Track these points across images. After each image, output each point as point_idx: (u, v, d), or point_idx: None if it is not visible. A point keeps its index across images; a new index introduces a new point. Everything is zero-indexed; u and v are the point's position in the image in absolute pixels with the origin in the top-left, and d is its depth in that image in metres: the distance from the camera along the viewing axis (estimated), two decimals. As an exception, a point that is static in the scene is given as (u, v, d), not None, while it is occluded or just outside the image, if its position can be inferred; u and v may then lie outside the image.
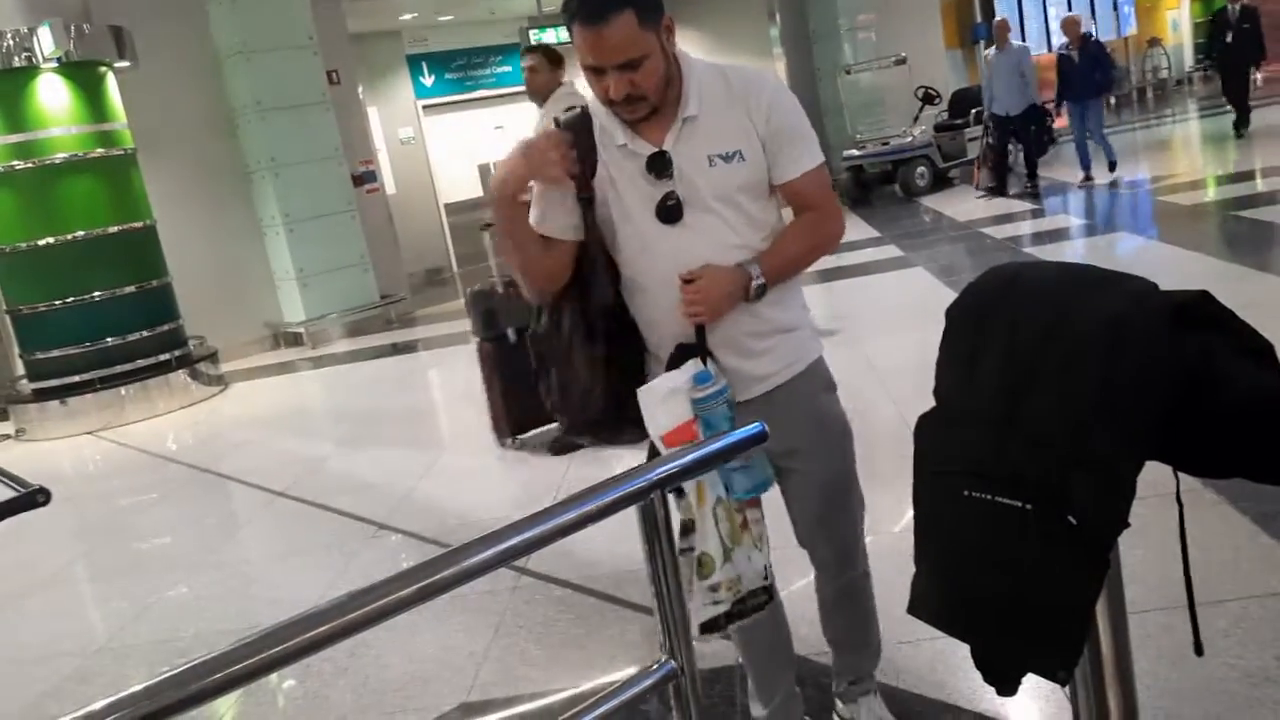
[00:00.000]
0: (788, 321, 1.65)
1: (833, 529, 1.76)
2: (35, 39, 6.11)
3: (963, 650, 1.08)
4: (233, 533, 4.02)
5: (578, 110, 1.62)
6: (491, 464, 4.17)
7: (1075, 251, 6.65)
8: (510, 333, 4.06)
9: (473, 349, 4.37)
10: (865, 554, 1.83)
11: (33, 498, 1.63)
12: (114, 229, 6.43)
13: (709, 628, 1.38)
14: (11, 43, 6.14)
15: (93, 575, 3.82)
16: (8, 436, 6.32)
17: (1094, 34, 10.11)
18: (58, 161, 6.28)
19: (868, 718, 1.90)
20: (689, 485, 1.34)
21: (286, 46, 8.05)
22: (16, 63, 6.15)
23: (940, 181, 10.62)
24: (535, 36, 10.55)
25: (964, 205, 9.27)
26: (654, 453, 1.52)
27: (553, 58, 4.08)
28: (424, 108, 11.84)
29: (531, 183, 1.55)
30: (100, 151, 6.44)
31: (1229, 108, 10.24)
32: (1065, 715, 1.62)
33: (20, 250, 6.29)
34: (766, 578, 1.46)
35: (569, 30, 1.47)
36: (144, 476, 5.03)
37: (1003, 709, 1.93)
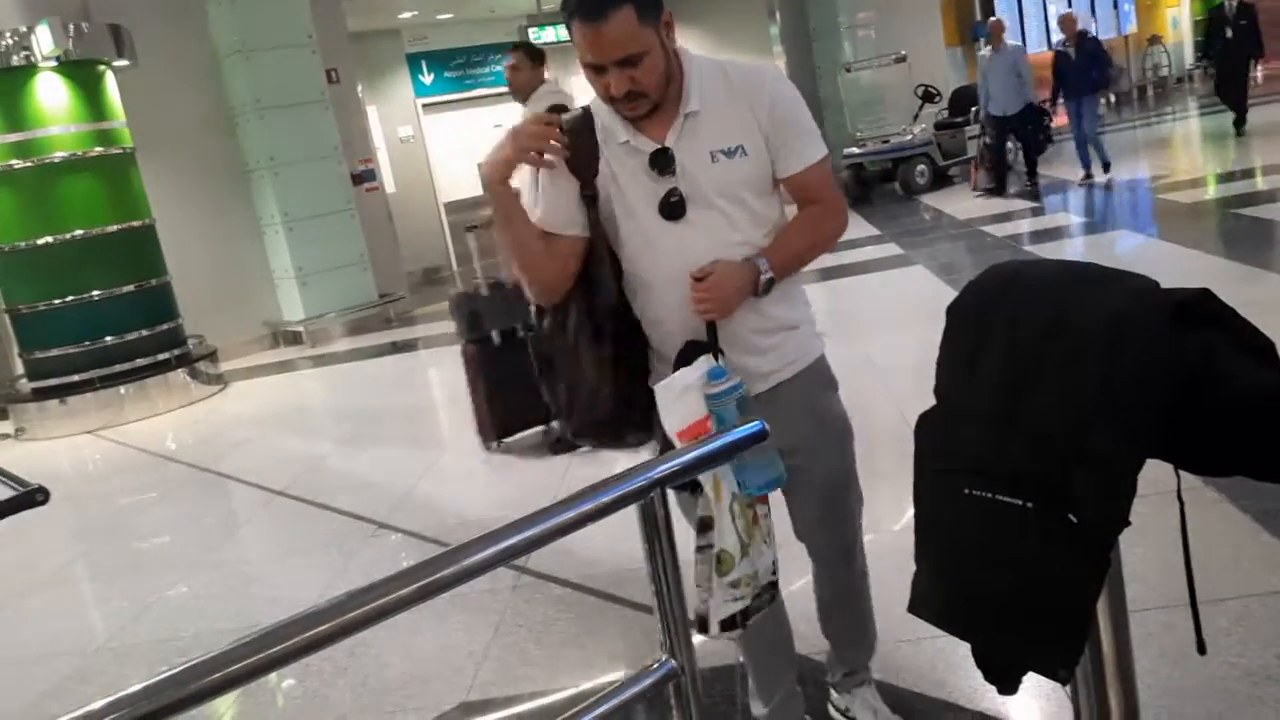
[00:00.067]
0: (791, 319, 1.66)
1: (832, 526, 1.77)
2: (34, 38, 6.11)
3: (963, 649, 1.08)
4: (232, 532, 4.02)
5: (579, 110, 1.62)
6: (491, 463, 4.16)
7: (1075, 249, 6.65)
8: (495, 335, 4.03)
9: (470, 349, 4.36)
10: (863, 550, 1.84)
11: (32, 497, 1.63)
12: (113, 228, 6.42)
13: (729, 625, 1.38)
14: (10, 41, 6.13)
15: (92, 575, 3.82)
16: (7, 436, 6.32)
17: (1093, 32, 10.10)
18: (57, 160, 6.27)
19: (862, 708, 1.93)
20: (707, 482, 1.34)
21: (286, 45, 8.05)
22: (15, 61, 6.15)
23: (940, 179, 10.62)
24: (535, 34, 10.55)
25: (964, 203, 9.27)
26: (667, 450, 1.52)
27: (534, 55, 4.03)
28: (423, 106, 11.84)
29: (521, 179, 1.54)
30: (99, 150, 6.43)
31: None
32: (1066, 714, 1.62)
33: (19, 249, 6.28)
34: (774, 573, 1.46)
35: (568, 28, 1.47)
36: (143, 476, 5.03)
37: (1003, 708, 1.93)
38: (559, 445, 4.04)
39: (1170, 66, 19.61)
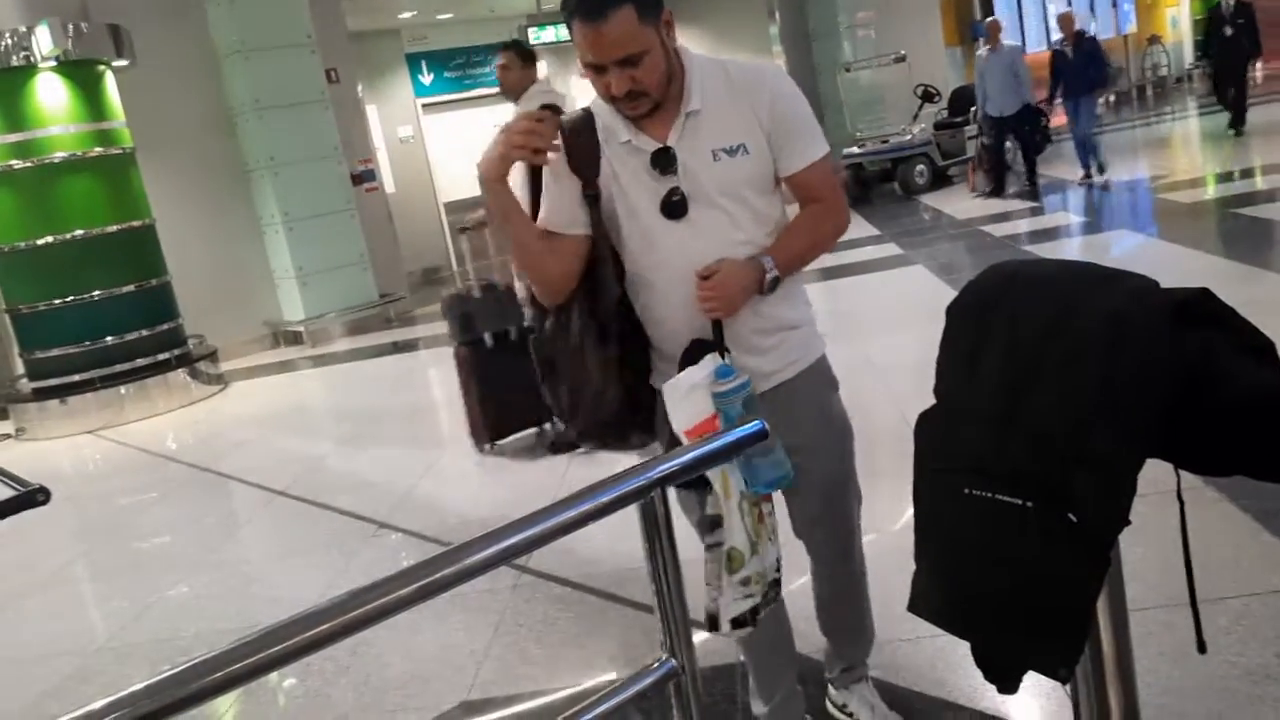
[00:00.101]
0: (792, 318, 1.66)
1: (831, 524, 1.78)
2: (33, 38, 6.11)
3: (963, 648, 1.08)
4: (233, 532, 4.02)
5: (580, 111, 1.62)
6: (491, 463, 4.16)
7: (1075, 249, 6.65)
8: (487, 337, 4.01)
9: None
10: (861, 548, 1.85)
11: (32, 497, 1.63)
12: (113, 228, 6.42)
13: (740, 622, 1.38)
14: (9, 42, 6.13)
15: (93, 574, 3.82)
16: (8, 436, 6.32)
17: (1093, 31, 10.10)
18: (56, 160, 6.27)
19: (859, 705, 1.94)
20: (716, 480, 1.34)
21: (285, 45, 8.05)
22: (14, 62, 6.15)
23: (940, 179, 10.61)
24: (534, 34, 10.55)
25: (963, 203, 9.26)
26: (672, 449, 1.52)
27: (525, 55, 4.00)
28: (423, 106, 11.84)
29: (513, 179, 1.53)
30: (99, 150, 6.43)
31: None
32: (1066, 713, 1.62)
33: (19, 249, 6.28)
34: (778, 570, 1.47)
35: (569, 27, 1.47)
36: (144, 476, 5.03)
37: (1003, 707, 1.93)
38: (558, 445, 4.03)
39: (1170, 66, 19.62)
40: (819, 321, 1.75)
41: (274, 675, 2.48)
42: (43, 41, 6.08)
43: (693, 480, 1.31)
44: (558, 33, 10.61)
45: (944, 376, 1.11)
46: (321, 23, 8.34)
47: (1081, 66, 8.69)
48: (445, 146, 11.77)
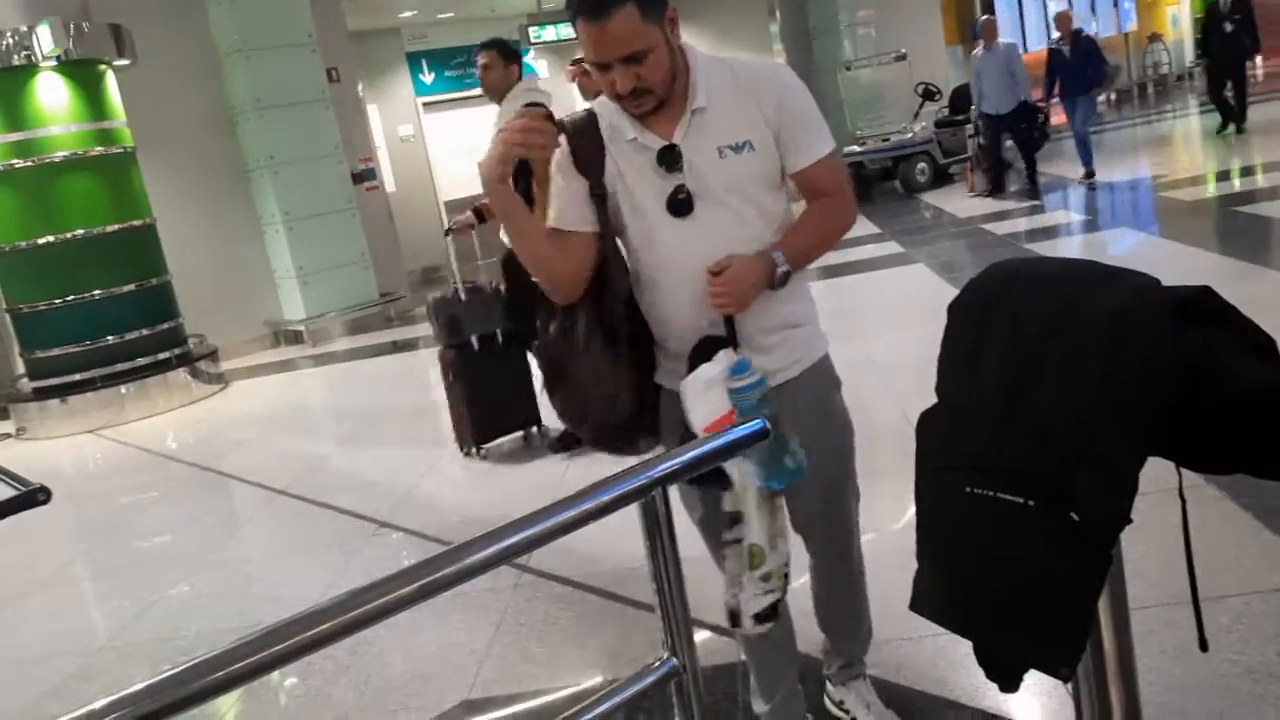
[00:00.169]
0: (796, 316, 1.66)
1: (831, 521, 1.78)
2: (34, 37, 6.11)
3: (964, 646, 1.08)
4: (233, 531, 4.02)
5: (583, 111, 1.63)
6: (492, 462, 4.16)
7: (1076, 247, 6.64)
8: (474, 340, 4.00)
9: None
10: (860, 545, 1.85)
11: (33, 496, 1.63)
12: (114, 227, 6.43)
13: (763, 617, 1.38)
14: (10, 41, 6.13)
15: (93, 574, 3.83)
16: (8, 435, 6.32)
17: (1092, 29, 10.08)
18: (57, 160, 6.28)
19: (856, 702, 1.94)
20: (736, 476, 1.34)
21: (286, 44, 8.05)
22: (15, 61, 6.15)
23: (941, 177, 10.61)
24: (535, 33, 10.55)
25: (964, 202, 9.26)
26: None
27: (507, 54, 3.94)
28: (424, 105, 11.84)
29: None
30: (100, 150, 6.43)
31: (1231, 103, 10.17)
32: (1068, 711, 1.62)
33: (20, 249, 6.29)
34: (787, 565, 1.47)
35: (573, 25, 1.47)
36: (144, 475, 5.04)
37: (1005, 705, 1.93)
38: (559, 444, 4.03)
39: (1170, 64, 19.60)
40: (820, 320, 1.75)
41: (275, 674, 2.48)
42: (44, 41, 6.08)
43: (708, 477, 1.31)
44: (558, 32, 10.61)
45: (945, 375, 1.11)
46: (322, 22, 8.34)
47: (1079, 66, 8.68)
48: (446, 145, 11.78)
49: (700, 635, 2.27)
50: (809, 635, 1.99)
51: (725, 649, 2.20)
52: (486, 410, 4.09)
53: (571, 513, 0.97)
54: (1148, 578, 1.99)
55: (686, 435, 1.47)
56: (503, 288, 4.03)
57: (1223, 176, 8.33)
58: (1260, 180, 7.80)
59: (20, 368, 6.76)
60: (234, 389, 6.84)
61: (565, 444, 4.00)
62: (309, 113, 8.16)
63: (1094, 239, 6.88)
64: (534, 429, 4.24)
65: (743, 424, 1.17)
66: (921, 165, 10.49)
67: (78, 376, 6.26)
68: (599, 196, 1.57)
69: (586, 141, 1.56)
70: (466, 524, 3.43)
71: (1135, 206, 8.09)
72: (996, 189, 9.20)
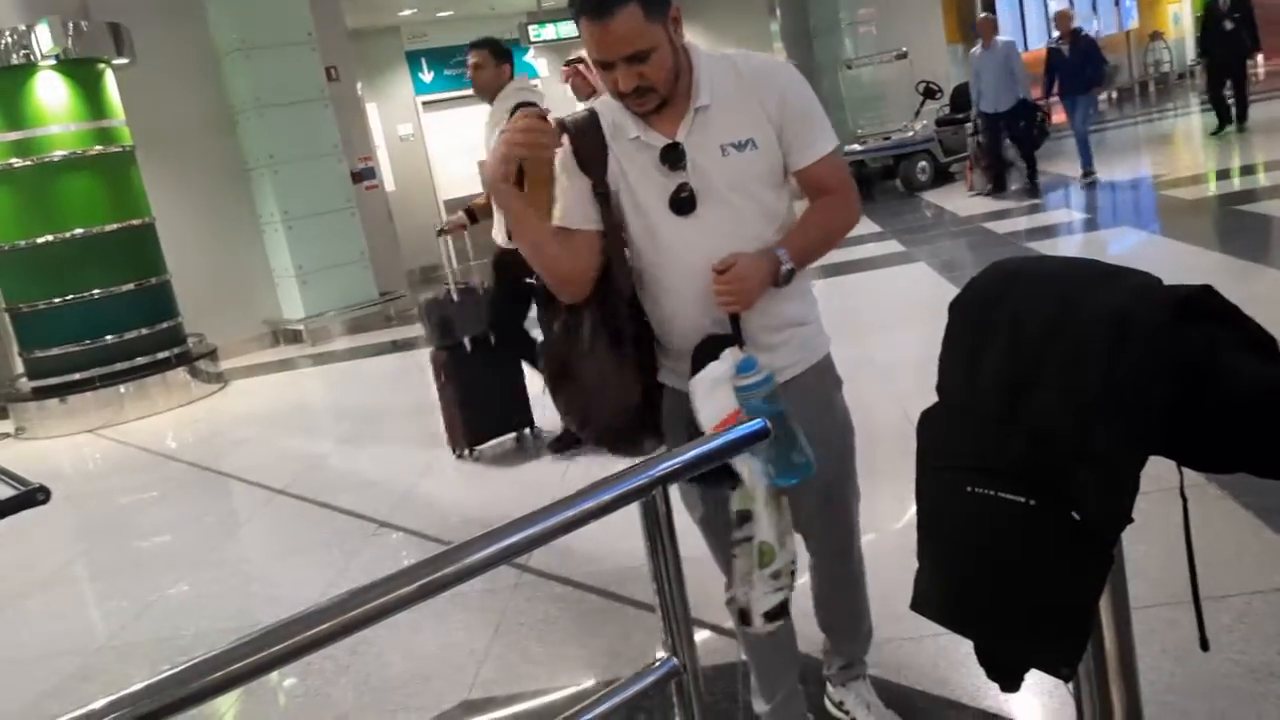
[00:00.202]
0: (799, 315, 1.66)
1: (831, 520, 1.78)
2: (33, 36, 6.10)
3: (965, 646, 1.08)
4: (233, 531, 4.02)
5: (584, 111, 1.63)
6: (492, 461, 4.16)
7: (1077, 246, 6.64)
8: (466, 341, 3.98)
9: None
10: (860, 545, 1.85)
11: (32, 496, 1.63)
12: (113, 226, 6.42)
13: (774, 615, 1.38)
14: (9, 40, 6.13)
15: (93, 574, 3.82)
16: (7, 435, 6.32)
17: (1094, 27, 10.07)
18: (56, 159, 6.27)
19: (856, 703, 1.94)
20: (745, 474, 1.34)
21: (285, 43, 8.04)
22: (14, 60, 6.14)
23: (942, 176, 10.60)
24: (534, 32, 10.54)
25: (965, 200, 9.25)
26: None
27: (498, 53, 3.87)
28: (423, 104, 11.84)
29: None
30: (99, 149, 6.43)
31: (1229, 103, 10.16)
32: (1069, 711, 1.61)
33: (19, 248, 6.28)
34: (794, 562, 1.47)
35: (576, 24, 1.48)
36: (144, 474, 5.03)
37: (1006, 705, 1.93)
38: (558, 445, 4.03)
39: (1172, 62, 19.58)
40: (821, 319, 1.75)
41: (274, 675, 2.47)
42: (42, 40, 6.08)
43: (715, 475, 1.31)
44: (558, 30, 10.60)
45: (946, 374, 1.10)
46: (321, 20, 8.34)
47: (1078, 65, 8.67)
48: (445, 144, 11.77)
49: (700, 635, 2.27)
50: (809, 635, 1.99)
51: (726, 649, 2.20)
52: (478, 412, 4.07)
53: (571, 512, 0.97)
54: (1149, 577, 1.99)
55: (695, 434, 1.47)
56: (490, 285, 4.03)
57: (1224, 175, 8.33)
58: (1261, 179, 7.79)
59: (19, 367, 6.76)
60: (233, 388, 6.83)
61: (564, 444, 3.99)
62: (308, 112, 8.16)
63: (1095, 238, 6.87)
64: (526, 431, 4.22)
65: (743, 423, 1.17)
66: (922, 164, 10.48)
67: (77, 376, 6.26)
68: (602, 195, 1.57)
69: (588, 140, 1.56)
70: (466, 524, 3.43)
71: (1136, 205, 8.09)
72: (998, 188, 9.19)
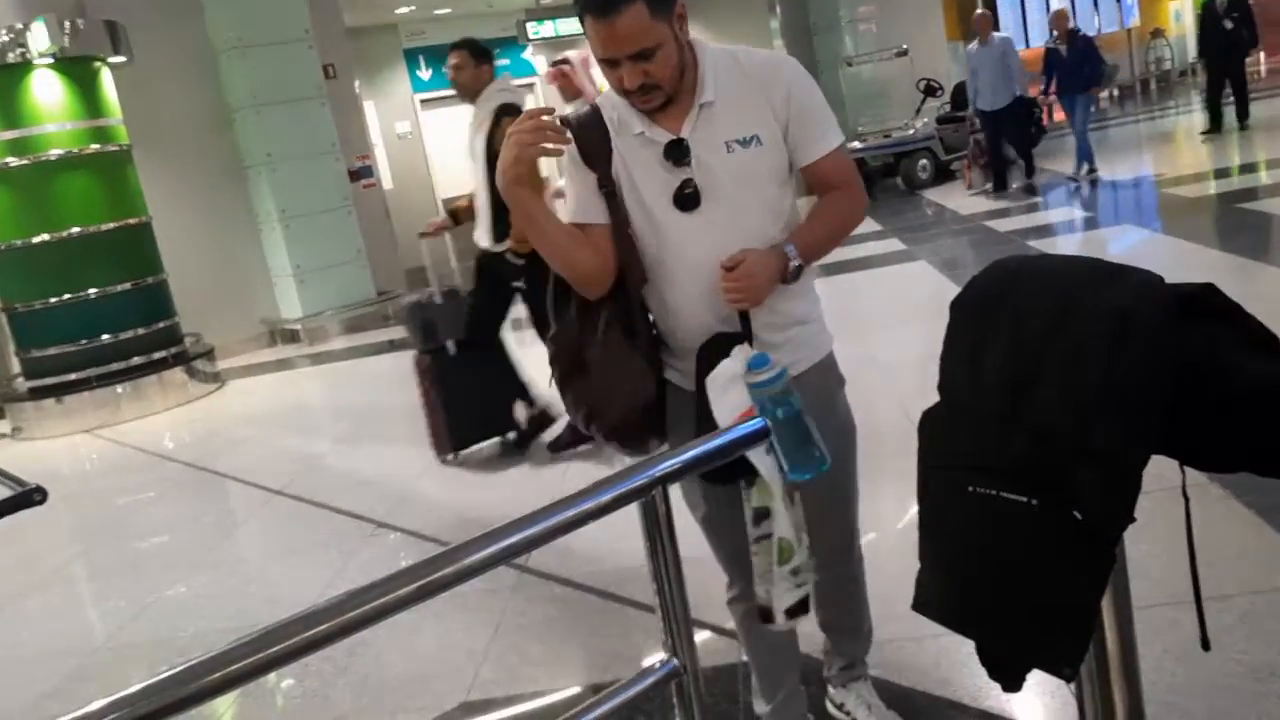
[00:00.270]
0: (802, 313, 1.65)
1: (831, 520, 1.77)
2: (29, 34, 6.09)
3: (967, 646, 1.07)
4: (230, 531, 4.01)
5: (587, 108, 1.62)
6: (491, 461, 4.16)
7: (1078, 244, 6.64)
8: (450, 345, 3.95)
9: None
10: (860, 545, 1.85)
11: (29, 496, 1.62)
12: (109, 225, 6.41)
13: (795, 611, 1.38)
14: (5, 38, 6.11)
15: (90, 574, 3.82)
16: (4, 435, 6.31)
17: (1095, 25, 10.07)
18: (52, 158, 6.26)
19: (857, 704, 1.93)
20: (764, 471, 1.33)
21: (282, 41, 8.02)
22: (10, 59, 6.13)
23: (943, 174, 10.59)
24: (533, 29, 10.54)
25: (966, 199, 9.25)
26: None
27: (478, 53, 3.85)
28: (421, 102, 11.82)
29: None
30: (95, 147, 6.41)
31: (1228, 100, 10.16)
32: (1071, 711, 1.61)
33: (15, 247, 6.27)
34: (811, 558, 1.46)
35: (581, 23, 1.47)
36: (141, 475, 5.02)
37: (1008, 706, 1.93)
38: (557, 445, 4.02)
39: (1173, 60, 19.59)
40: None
41: (273, 675, 2.46)
42: (39, 38, 6.06)
43: (733, 471, 1.30)
44: (556, 27, 10.60)
45: (947, 373, 1.10)
46: (319, 18, 8.32)
47: (1076, 65, 8.66)
48: (443, 142, 11.75)
49: (700, 636, 2.26)
50: (810, 636, 1.98)
51: (726, 649, 2.20)
52: (465, 416, 4.04)
53: (571, 512, 0.97)
54: (1151, 576, 1.98)
55: (701, 432, 1.46)
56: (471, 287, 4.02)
57: (1224, 173, 8.33)
58: (1263, 177, 7.79)
59: (16, 367, 6.74)
60: (230, 388, 6.82)
61: (564, 445, 3.99)
62: (306, 110, 8.14)
63: (1096, 236, 6.87)
64: (510, 435, 4.17)
65: (751, 419, 1.17)
66: (923, 162, 10.47)
67: (73, 376, 6.24)
68: (607, 191, 1.57)
69: (591, 136, 1.56)
70: (465, 524, 3.43)
71: (1137, 203, 8.09)
72: (999, 186, 9.18)
